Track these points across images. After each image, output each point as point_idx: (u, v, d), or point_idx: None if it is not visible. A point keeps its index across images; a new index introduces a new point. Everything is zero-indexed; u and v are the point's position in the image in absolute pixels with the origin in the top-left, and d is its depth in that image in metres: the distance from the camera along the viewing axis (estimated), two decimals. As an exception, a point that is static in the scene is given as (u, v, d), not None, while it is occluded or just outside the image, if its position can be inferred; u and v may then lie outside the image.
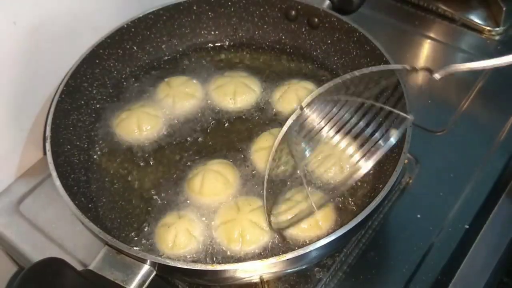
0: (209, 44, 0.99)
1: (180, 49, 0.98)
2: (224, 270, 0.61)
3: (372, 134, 0.69)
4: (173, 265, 0.61)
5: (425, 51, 1.09)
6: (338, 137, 0.74)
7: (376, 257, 0.77)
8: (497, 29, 1.09)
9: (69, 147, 0.80)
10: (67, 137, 0.80)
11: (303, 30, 0.95)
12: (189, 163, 0.81)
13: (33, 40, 0.82)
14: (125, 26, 0.89)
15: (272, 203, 0.74)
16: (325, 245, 0.61)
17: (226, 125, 0.86)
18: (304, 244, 0.68)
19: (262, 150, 0.80)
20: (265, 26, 0.98)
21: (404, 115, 0.64)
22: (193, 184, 0.77)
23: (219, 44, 0.99)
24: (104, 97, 0.89)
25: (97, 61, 0.87)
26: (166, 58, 0.97)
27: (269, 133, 0.82)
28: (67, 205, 0.67)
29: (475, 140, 0.91)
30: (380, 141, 0.64)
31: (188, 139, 0.84)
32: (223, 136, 0.85)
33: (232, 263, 0.68)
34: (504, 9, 1.08)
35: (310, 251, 0.61)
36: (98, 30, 0.87)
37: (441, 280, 0.75)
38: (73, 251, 0.80)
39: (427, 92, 1.00)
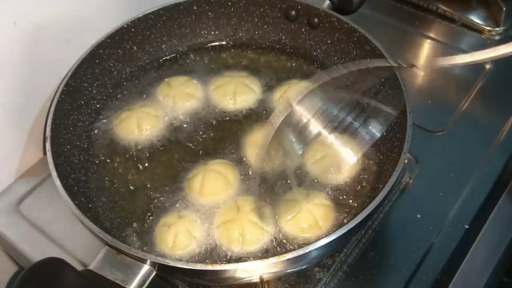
0: (209, 44, 0.99)
1: (180, 49, 0.98)
2: (224, 270, 0.62)
3: (360, 128, 0.70)
4: (173, 265, 0.61)
5: (425, 51, 1.09)
6: (327, 132, 0.74)
7: (376, 257, 0.77)
8: (497, 29, 1.09)
9: (69, 147, 0.80)
10: (67, 137, 0.80)
11: (303, 30, 0.95)
12: (189, 163, 0.81)
13: (33, 40, 0.82)
14: (125, 26, 0.89)
15: (268, 201, 0.73)
16: (325, 245, 0.61)
17: (226, 125, 0.86)
18: (304, 244, 0.68)
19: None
20: (265, 26, 0.98)
21: (388, 109, 0.65)
22: (193, 184, 0.77)
23: (219, 44, 0.99)
24: (104, 97, 0.89)
25: (97, 61, 0.87)
26: (166, 58, 0.97)
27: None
28: (67, 205, 0.67)
29: (475, 140, 0.92)
30: (366, 135, 0.65)
31: (188, 139, 0.84)
32: (223, 136, 0.85)
33: (232, 263, 0.68)
34: (504, 9, 1.08)
35: (310, 251, 0.61)
36: (98, 30, 0.87)
37: (441, 280, 0.75)
38: (73, 251, 0.81)
39: (427, 92, 1.00)
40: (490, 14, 1.11)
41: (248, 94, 0.89)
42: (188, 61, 0.96)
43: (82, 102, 0.85)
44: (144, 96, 0.90)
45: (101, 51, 0.87)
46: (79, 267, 0.62)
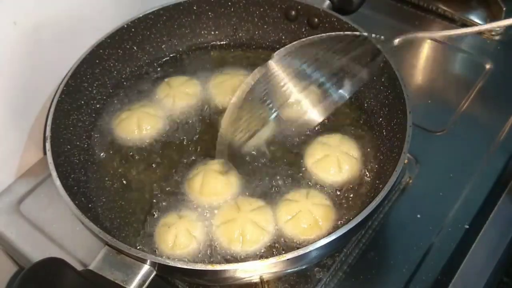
0: (209, 44, 0.99)
1: (180, 49, 0.98)
2: (224, 270, 0.61)
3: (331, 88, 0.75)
4: (173, 265, 0.61)
5: (425, 51, 1.09)
6: (299, 90, 0.76)
7: (376, 257, 0.77)
8: (497, 29, 1.09)
9: (69, 147, 0.80)
10: (67, 137, 0.80)
11: (303, 30, 0.95)
12: (189, 163, 0.81)
13: (33, 40, 0.82)
14: (125, 26, 0.89)
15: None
16: (325, 245, 0.61)
17: (226, 125, 0.86)
18: (304, 244, 0.68)
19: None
20: (265, 26, 0.98)
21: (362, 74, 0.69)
22: (193, 184, 0.77)
23: (219, 44, 0.99)
24: (104, 97, 0.89)
25: (97, 61, 0.87)
26: (166, 58, 0.97)
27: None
28: (67, 205, 0.67)
29: (475, 140, 0.91)
30: (335, 95, 0.72)
31: (188, 139, 0.84)
32: (223, 136, 0.85)
33: (232, 263, 0.68)
34: (504, 9, 1.08)
35: (310, 251, 0.61)
36: (98, 30, 0.87)
37: (441, 280, 0.75)
38: (73, 251, 0.81)
39: (427, 92, 1.00)
40: (490, 14, 1.11)
41: None
42: (188, 61, 0.96)
43: (82, 102, 0.85)
44: (144, 96, 0.90)
45: (101, 51, 0.87)
46: (79, 267, 0.62)
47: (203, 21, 0.97)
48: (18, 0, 0.77)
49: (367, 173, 0.78)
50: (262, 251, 0.71)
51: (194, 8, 0.95)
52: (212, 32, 0.99)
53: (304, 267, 0.74)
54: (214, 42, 0.99)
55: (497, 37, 1.08)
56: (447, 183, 0.85)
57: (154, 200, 0.77)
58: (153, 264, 0.62)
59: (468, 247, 0.78)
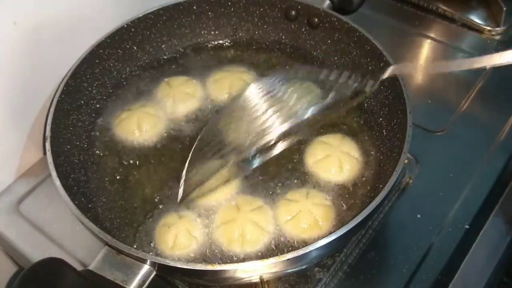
0: (209, 44, 0.99)
1: (180, 49, 0.98)
2: (224, 270, 0.61)
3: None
4: (173, 265, 0.61)
5: (425, 51, 1.09)
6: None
7: (376, 257, 0.77)
8: (497, 29, 1.09)
9: (69, 147, 0.80)
10: (67, 137, 0.80)
11: (303, 30, 0.95)
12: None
13: (33, 40, 0.82)
14: (125, 26, 0.89)
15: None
16: (325, 245, 0.61)
17: (226, 125, 0.86)
18: (304, 244, 0.68)
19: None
20: (265, 26, 0.98)
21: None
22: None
23: (219, 44, 0.99)
24: (104, 97, 0.89)
25: (97, 61, 0.87)
26: (166, 58, 0.97)
27: None
28: (67, 205, 0.67)
29: (475, 140, 0.91)
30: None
31: (188, 139, 0.84)
32: (223, 136, 0.85)
33: (232, 263, 0.68)
34: (504, 9, 1.08)
35: (310, 251, 0.61)
36: (98, 30, 0.87)
37: (441, 280, 0.75)
38: (73, 251, 0.80)
39: (427, 92, 1.00)
40: (490, 14, 1.11)
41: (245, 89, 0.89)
42: (188, 61, 0.96)
43: (82, 102, 0.85)
44: (144, 96, 0.90)
45: (101, 51, 0.87)
46: (79, 267, 0.62)
47: (203, 21, 0.97)
48: (18, 0, 0.77)
49: (367, 173, 0.78)
50: (262, 251, 0.71)
51: (194, 8, 0.95)
52: (212, 32, 0.99)
53: (304, 267, 0.74)
54: (214, 42, 0.99)
55: (497, 37, 1.08)
56: (447, 183, 0.85)
57: (154, 200, 0.77)
58: (153, 264, 0.62)
59: (468, 247, 0.78)
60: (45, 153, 0.78)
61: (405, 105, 0.74)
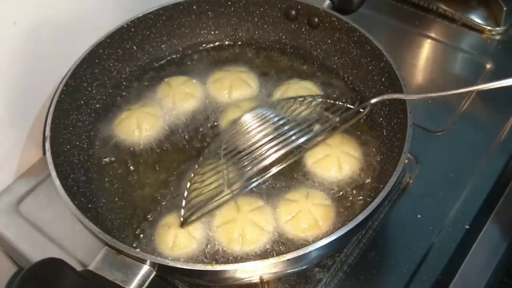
0: (209, 44, 0.99)
1: (180, 49, 0.98)
2: (224, 270, 0.61)
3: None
4: (173, 265, 0.61)
5: (425, 51, 1.09)
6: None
7: (376, 257, 0.77)
8: (498, 28, 1.09)
9: (68, 147, 0.80)
10: (67, 137, 0.80)
11: (303, 30, 0.95)
12: (189, 163, 0.81)
13: (33, 40, 0.81)
14: (125, 26, 0.89)
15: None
16: (325, 245, 0.61)
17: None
18: (304, 244, 0.68)
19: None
20: (265, 26, 0.97)
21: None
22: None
23: (219, 43, 0.99)
24: (104, 97, 0.89)
25: (97, 61, 0.87)
26: (166, 58, 0.97)
27: None
28: (66, 205, 0.67)
29: (475, 140, 0.91)
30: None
31: (188, 138, 0.84)
32: (223, 136, 0.84)
33: (232, 263, 0.68)
34: (504, 8, 1.08)
35: (310, 251, 0.61)
36: (98, 30, 0.87)
37: (442, 280, 0.75)
38: (73, 251, 0.80)
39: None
40: (491, 13, 1.11)
41: (244, 89, 0.89)
42: (188, 61, 0.96)
43: (82, 102, 0.85)
44: (144, 96, 0.90)
45: (101, 51, 0.87)
46: (78, 267, 0.62)
47: (203, 21, 0.97)
48: (18, 0, 0.77)
49: (367, 173, 0.78)
50: (262, 251, 0.71)
51: (194, 8, 0.95)
52: (212, 32, 0.99)
53: (304, 267, 0.74)
54: (214, 42, 0.99)
55: (497, 37, 1.08)
56: (447, 183, 0.85)
57: (154, 200, 0.77)
58: (152, 265, 0.62)
59: (468, 247, 0.78)
60: (45, 153, 0.78)
61: (405, 105, 0.74)
